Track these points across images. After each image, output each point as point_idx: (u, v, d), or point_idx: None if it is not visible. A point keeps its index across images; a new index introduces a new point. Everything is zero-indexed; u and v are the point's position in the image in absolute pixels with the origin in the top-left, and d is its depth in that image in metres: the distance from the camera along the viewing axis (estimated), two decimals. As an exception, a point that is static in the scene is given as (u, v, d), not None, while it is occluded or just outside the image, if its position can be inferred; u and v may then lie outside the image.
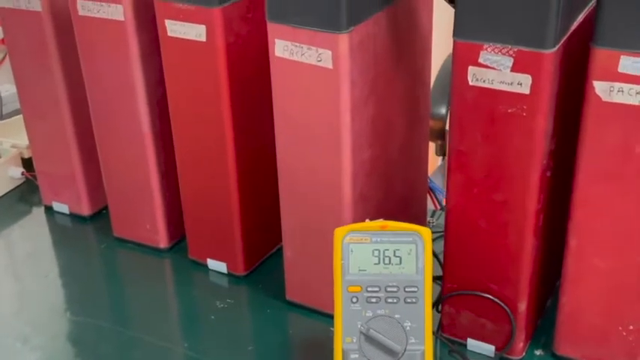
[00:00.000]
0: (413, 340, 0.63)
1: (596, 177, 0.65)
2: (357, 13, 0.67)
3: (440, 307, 0.76)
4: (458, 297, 0.74)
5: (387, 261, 0.64)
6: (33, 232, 1.02)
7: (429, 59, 0.83)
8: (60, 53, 0.90)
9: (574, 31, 0.64)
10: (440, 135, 1.08)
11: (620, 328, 0.69)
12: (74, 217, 1.01)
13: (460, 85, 0.64)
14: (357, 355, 0.63)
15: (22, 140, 1.06)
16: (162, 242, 0.93)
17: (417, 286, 0.63)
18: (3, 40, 0.96)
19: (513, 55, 0.61)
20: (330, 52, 0.67)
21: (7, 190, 1.08)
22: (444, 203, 0.93)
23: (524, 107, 0.63)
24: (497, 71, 0.62)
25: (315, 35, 0.67)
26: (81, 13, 0.83)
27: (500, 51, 0.62)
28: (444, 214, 0.73)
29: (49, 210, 1.03)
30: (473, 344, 0.75)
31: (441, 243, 0.74)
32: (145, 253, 0.94)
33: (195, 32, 0.76)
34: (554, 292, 0.78)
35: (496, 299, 0.72)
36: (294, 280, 0.82)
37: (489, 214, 0.68)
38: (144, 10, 0.80)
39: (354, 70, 0.68)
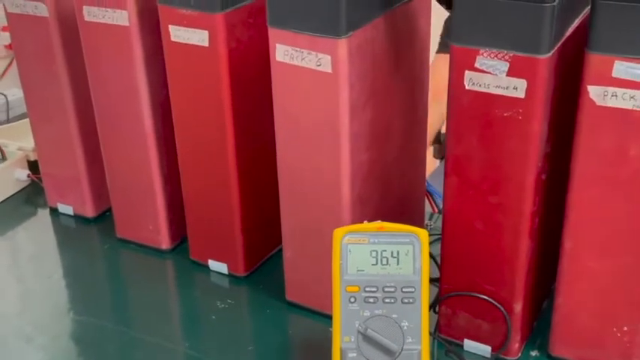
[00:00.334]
0: (410, 340, 0.63)
1: (590, 180, 0.65)
2: (356, 19, 0.67)
3: (437, 308, 0.76)
4: (454, 298, 0.74)
5: (384, 262, 0.64)
6: (38, 234, 1.03)
7: (427, 63, 0.84)
8: (66, 58, 0.91)
9: (569, 36, 0.65)
10: (437, 138, 1.09)
11: (614, 329, 0.70)
12: (78, 218, 1.02)
13: (457, 89, 0.65)
14: (355, 354, 0.63)
15: (28, 143, 1.07)
16: (165, 243, 0.94)
17: (414, 287, 0.64)
18: (10, 45, 0.97)
19: (509, 60, 0.62)
20: (329, 57, 0.68)
21: (14, 191, 1.09)
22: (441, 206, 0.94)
23: (520, 111, 0.63)
24: (493, 76, 0.63)
25: (315, 40, 0.68)
26: (87, 18, 0.84)
27: (496, 56, 0.62)
28: (441, 217, 0.74)
29: (54, 211, 1.04)
30: (469, 345, 0.76)
31: (438, 246, 0.74)
32: (148, 254, 0.95)
33: (198, 37, 0.77)
34: (550, 293, 0.78)
35: (492, 300, 0.72)
36: (294, 281, 0.83)
37: (485, 216, 0.69)
38: (148, 15, 0.81)
39: (352, 74, 0.69)
